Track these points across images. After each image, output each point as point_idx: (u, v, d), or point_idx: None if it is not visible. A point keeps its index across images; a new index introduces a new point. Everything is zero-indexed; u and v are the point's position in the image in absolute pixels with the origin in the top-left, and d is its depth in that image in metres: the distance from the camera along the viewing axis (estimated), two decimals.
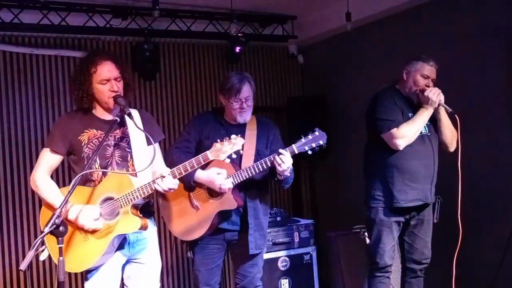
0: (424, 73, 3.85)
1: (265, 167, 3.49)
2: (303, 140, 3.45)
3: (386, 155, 3.85)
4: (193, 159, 3.04)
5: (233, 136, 2.98)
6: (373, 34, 5.55)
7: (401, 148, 3.78)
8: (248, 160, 3.61)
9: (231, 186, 3.49)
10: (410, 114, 3.85)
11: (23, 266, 2.47)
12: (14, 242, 5.11)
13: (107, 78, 3.04)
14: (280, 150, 3.42)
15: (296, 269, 4.89)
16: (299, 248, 4.94)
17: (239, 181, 3.52)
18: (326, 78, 6.24)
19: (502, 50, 4.43)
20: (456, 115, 3.80)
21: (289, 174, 3.55)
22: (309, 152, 3.46)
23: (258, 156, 3.65)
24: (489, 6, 4.55)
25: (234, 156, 3.04)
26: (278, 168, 3.42)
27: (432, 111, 3.82)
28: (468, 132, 4.59)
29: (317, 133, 3.45)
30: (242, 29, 5.92)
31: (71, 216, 2.93)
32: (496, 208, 4.53)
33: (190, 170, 3.06)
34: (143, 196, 2.97)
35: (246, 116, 3.68)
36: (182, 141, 3.74)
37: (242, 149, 3.05)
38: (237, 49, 5.88)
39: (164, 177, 2.95)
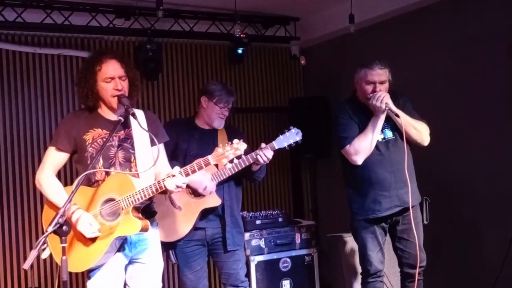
0: (367, 79, 3.78)
1: (246, 163, 3.71)
2: (281, 137, 3.69)
3: (354, 168, 3.85)
4: (194, 162, 3.03)
5: (235, 140, 3.00)
6: (376, 36, 5.54)
7: (359, 163, 3.78)
8: None
9: (215, 189, 3.74)
10: (368, 123, 3.81)
11: (26, 265, 2.48)
12: (16, 241, 5.11)
13: (111, 76, 3.05)
14: (263, 146, 3.67)
15: (297, 270, 4.89)
16: (301, 250, 4.94)
17: (220, 180, 3.76)
18: (328, 80, 6.23)
19: (505, 53, 4.42)
20: (398, 117, 3.68)
21: (264, 165, 3.83)
22: (287, 148, 3.70)
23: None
24: (492, 9, 4.55)
25: (236, 161, 3.06)
26: (261, 161, 3.69)
27: (383, 117, 3.76)
28: (471, 135, 4.61)
29: (293, 130, 3.68)
30: (244, 30, 5.92)
31: (73, 219, 2.93)
32: (498, 210, 4.53)
33: (197, 171, 3.05)
34: (144, 198, 2.96)
35: (222, 122, 3.99)
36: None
37: (244, 154, 3.08)
38: (240, 50, 5.88)
39: (174, 175, 2.95)
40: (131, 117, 3.04)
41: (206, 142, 3.88)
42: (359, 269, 4.36)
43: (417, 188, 3.91)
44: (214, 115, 3.94)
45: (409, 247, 3.92)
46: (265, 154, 3.67)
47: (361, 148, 3.76)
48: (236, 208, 3.98)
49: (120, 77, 3.08)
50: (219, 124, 3.97)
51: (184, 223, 3.76)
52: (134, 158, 3.11)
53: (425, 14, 5.09)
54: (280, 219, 4.95)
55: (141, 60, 5.47)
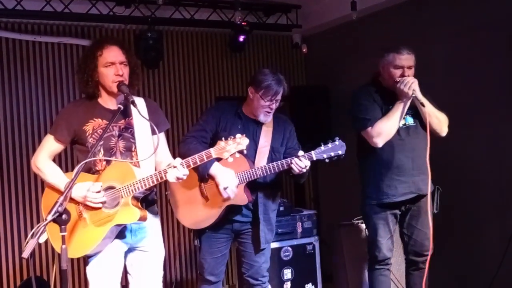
0: (396, 64, 3.76)
1: (280, 169, 3.51)
2: (322, 148, 3.48)
3: (372, 151, 3.81)
4: (196, 155, 2.99)
5: (238, 135, 2.96)
6: (378, 24, 5.50)
7: (379, 145, 3.75)
8: (262, 157, 3.64)
9: (230, 197, 3.51)
10: (390, 107, 3.79)
11: (25, 254, 2.46)
12: (17, 229, 5.12)
13: (112, 61, 3.03)
14: (300, 155, 3.43)
15: (299, 259, 4.88)
16: (302, 238, 4.92)
17: (250, 179, 3.55)
18: (329, 68, 6.20)
19: (506, 42, 4.38)
20: (424, 107, 3.67)
21: (305, 171, 3.53)
22: (326, 161, 3.48)
23: (273, 153, 3.68)
24: None
25: (237, 155, 3.01)
26: (295, 170, 3.44)
27: (408, 102, 3.74)
28: (472, 125, 4.59)
29: (337, 142, 3.47)
30: (246, 18, 5.89)
31: (74, 194, 2.92)
32: (500, 200, 4.51)
33: (198, 164, 3.02)
34: (145, 187, 2.94)
35: (269, 117, 3.69)
36: (199, 130, 3.73)
37: (246, 149, 3.02)
38: (241, 38, 5.85)
39: (175, 167, 2.93)
40: (131, 106, 3.02)
41: (249, 131, 3.63)
42: (361, 258, 4.36)
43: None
44: (260, 108, 3.63)
45: (416, 234, 3.92)
46: (298, 164, 3.41)
47: (384, 130, 3.72)
48: (271, 205, 3.78)
49: (121, 63, 3.05)
50: (265, 118, 3.67)
51: (208, 215, 3.61)
52: (135, 148, 3.09)
53: (426, 3, 5.05)
54: (281, 208, 4.92)
55: (142, 48, 5.45)
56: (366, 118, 3.77)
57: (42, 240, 2.82)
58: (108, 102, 3.13)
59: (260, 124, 3.72)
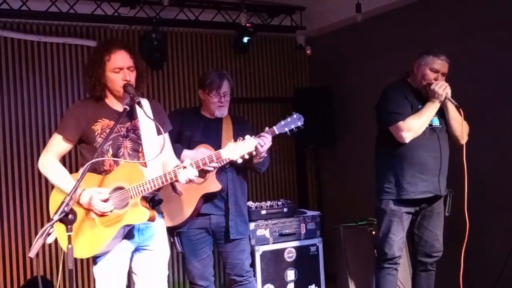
0: (433, 67, 3.82)
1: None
2: (282, 122, 3.65)
3: (396, 147, 3.84)
4: (206, 156, 3.05)
5: (247, 136, 3.01)
6: (382, 25, 5.51)
7: (407, 141, 3.77)
8: None
9: (213, 172, 3.65)
10: (420, 107, 3.84)
11: (31, 253, 2.47)
12: (21, 228, 5.13)
13: (120, 66, 3.04)
14: (262, 133, 3.60)
15: (302, 260, 4.89)
16: (306, 240, 4.94)
17: (220, 165, 3.62)
18: (333, 70, 6.21)
19: None
20: (460, 109, 3.77)
21: (266, 155, 3.74)
22: (288, 133, 3.66)
23: None
24: None
25: (247, 156, 3.04)
26: (260, 149, 3.55)
27: (438, 104, 3.80)
28: (478, 125, 4.59)
29: (295, 116, 3.64)
30: (250, 20, 5.89)
31: (82, 200, 2.93)
32: (505, 201, 4.51)
33: (208, 164, 3.08)
34: (154, 188, 2.96)
35: (223, 111, 3.91)
36: None
37: (255, 150, 3.09)
38: (245, 39, 5.86)
39: (185, 167, 2.96)
40: (137, 107, 3.03)
41: (210, 130, 3.86)
42: (364, 259, 4.37)
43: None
44: (212, 105, 3.87)
45: (427, 236, 3.96)
46: (264, 140, 3.57)
47: (414, 126, 3.76)
48: (241, 196, 3.92)
49: (128, 68, 3.07)
50: (220, 113, 3.90)
51: (185, 207, 3.72)
52: (142, 148, 3.11)
53: (432, 3, 5.05)
54: (285, 209, 4.95)
55: (146, 49, 5.45)
56: (398, 113, 3.80)
57: (50, 240, 2.84)
58: (115, 103, 3.14)
59: (220, 122, 3.92)
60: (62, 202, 2.60)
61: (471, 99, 4.66)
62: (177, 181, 3.00)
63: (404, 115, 3.78)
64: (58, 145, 3.10)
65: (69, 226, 2.61)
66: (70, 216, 2.61)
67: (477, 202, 4.62)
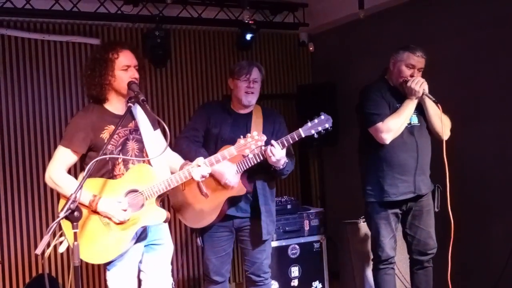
0: (409, 62, 3.78)
1: (259, 160, 3.54)
2: (309, 124, 3.49)
3: (375, 149, 3.83)
4: (218, 153, 3.09)
5: (255, 132, 3.02)
6: (385, 22, 5.51)
7: (387, 142, 3.76)
8: None
9: (236, 185, 3.56)
10: (398, 105, 3.80)
11: (38, 250, 2.48)
12: (26, 227, 5.15)
13: (128, 64, 3.07)
14: (272, 142, 3.46)
15: (306, 257, 4.90)
16: (309, 236, 4.94)
17: (243, 170, 3.58)
18: (336, 66, 6.22)
19: None
20: (438, 104, 3.72)
21: (282, 167, 3.58)
22: (315, 136, 3.49)
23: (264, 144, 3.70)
24: None
25: (256, 151, 3.05)
26: (270, 159, 3.48)
27: (416, 101, 3.77)
28: (480, 121, 4.60)
29: (322, 117, 3.49)
30: (253, 17, 5.90)
31: (101, 209, 2.94)
32: (508, 195, 4.51)
33: (221, 161, 3.14)
34: (169, 187, 3.00)
35: (251, 98, 3.72)
36: (190, 130, 3.79)
37: (265, 145, 3.07)
38: (248, 36, 5.87)
39: (199, 166, 3.01)
40: (137, 106, 3.09)
41: (239, 126, 3.72)
42: (368, 256, 4.37)
43: (429, 177, 3.94)
44: (240, 92, 3.69)
45: (420, 234, 3.94)
46: (272, 151, 3.44)
47: (393, 126, 3.73)
48: (270, 196, 3.82)
49: (134, 66, 3.11)
50: (248, 100, 3.71)
51: (210, 210, 3.63)
52: (144, 147, 3.14)
53: (433, 1, 5.04)
54: (289, 206, 4.95)
55: (149, 47, 5.46)
56: (376, 114, 3.78)
57: (62, 249, 2.87)
58: (117, 107, 3.13)
59: (250, 117, 3.77)
60: (68, 200, 2.62)
61: (473, 94, 4.68)
62: (192, 178, 3.03)
63: (382, 116, 3.75)
64: (66, 157, 3.04)
65: (74, 223, 2.63)
66: (76, 213, 2.63)
67: (480, 194, 4.64)
